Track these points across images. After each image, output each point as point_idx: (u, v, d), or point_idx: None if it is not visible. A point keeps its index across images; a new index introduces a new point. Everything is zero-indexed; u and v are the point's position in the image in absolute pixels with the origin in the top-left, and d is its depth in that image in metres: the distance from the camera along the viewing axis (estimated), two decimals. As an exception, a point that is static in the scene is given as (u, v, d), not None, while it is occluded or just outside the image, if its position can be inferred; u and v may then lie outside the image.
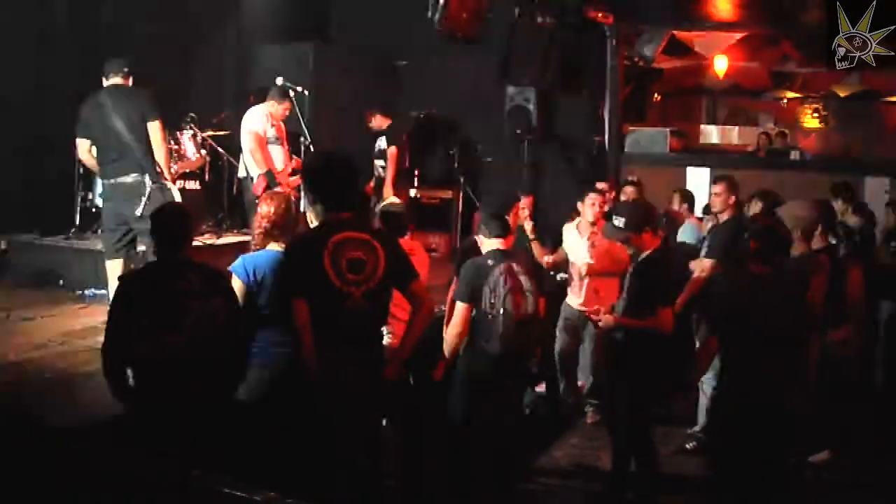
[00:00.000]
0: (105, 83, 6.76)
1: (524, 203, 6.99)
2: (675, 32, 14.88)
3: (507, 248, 5.47)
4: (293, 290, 4.19)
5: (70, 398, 5.25)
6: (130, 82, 6.84)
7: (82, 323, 6.78)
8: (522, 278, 5.29)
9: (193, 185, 9.11)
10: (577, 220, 7.20)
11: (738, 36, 15.03)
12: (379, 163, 9.41)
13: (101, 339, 6.08)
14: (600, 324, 5.77)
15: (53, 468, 3.23)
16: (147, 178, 6.64)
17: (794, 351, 4.96)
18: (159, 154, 6.76)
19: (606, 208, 7.16)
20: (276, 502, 2.76)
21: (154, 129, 6.72)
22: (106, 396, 4.31)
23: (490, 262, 5.32)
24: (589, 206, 7.03)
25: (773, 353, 4.83)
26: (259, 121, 8.25)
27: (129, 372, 4.17)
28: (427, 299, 4.47)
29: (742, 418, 4.86)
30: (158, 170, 6.75)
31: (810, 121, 19.99)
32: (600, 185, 7.56)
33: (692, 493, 5.97)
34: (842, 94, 18.42)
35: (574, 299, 7.11)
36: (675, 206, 8.07)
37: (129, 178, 6.66)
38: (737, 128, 19.55)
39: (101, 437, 4.45)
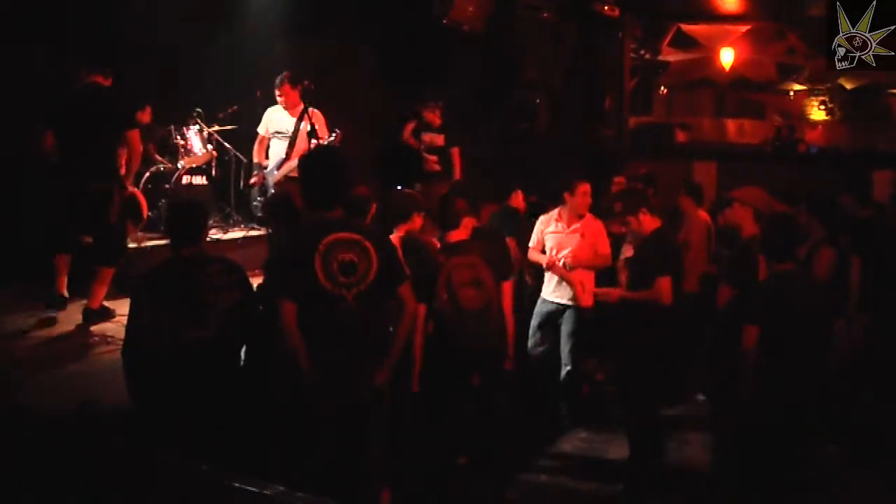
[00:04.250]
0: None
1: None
2: (681, 25, 14.90)
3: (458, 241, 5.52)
4: (281, 290, 4.12)
5: (79, 393, 5.25)
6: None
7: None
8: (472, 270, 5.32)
9: (200, 180, 9.10)
10: (554, 211, 6.99)
11: (744, 29, 15.04)
12: (432, 157, 9.55)
13: (108, 329, 6.36)
14: (606, 298, 6.04)
15: (61, 465, 3.23)
16: None
17: (824, 344, 5.01)
18: None
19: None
20: (286, 497, 2.76)
21: None
22: (115, 390, 4.32)
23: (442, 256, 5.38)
24: (581, 197, 6.77)
25: (809, 349, 4.87)
26: (264, 118, 8.38)
27: (151, 364, 4.16)
28: (412, 304, 4.36)
29: (782, 417, 4.86)
30: None
31: (817, 113, 19.97)
32: (617, 179, 7.51)
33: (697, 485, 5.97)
34: (848, 87, 18.41)
35: (553, 294, 6.91)
36: (683, 202, 8.01)
37: None
38: (743, 121, 19.52)
39: (111, 431, 4.45)
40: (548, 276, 6.92)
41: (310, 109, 8.34)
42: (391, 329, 4.41)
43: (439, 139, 9.54)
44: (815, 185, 9.74)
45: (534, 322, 7.02)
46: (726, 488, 5.42)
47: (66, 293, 6.57)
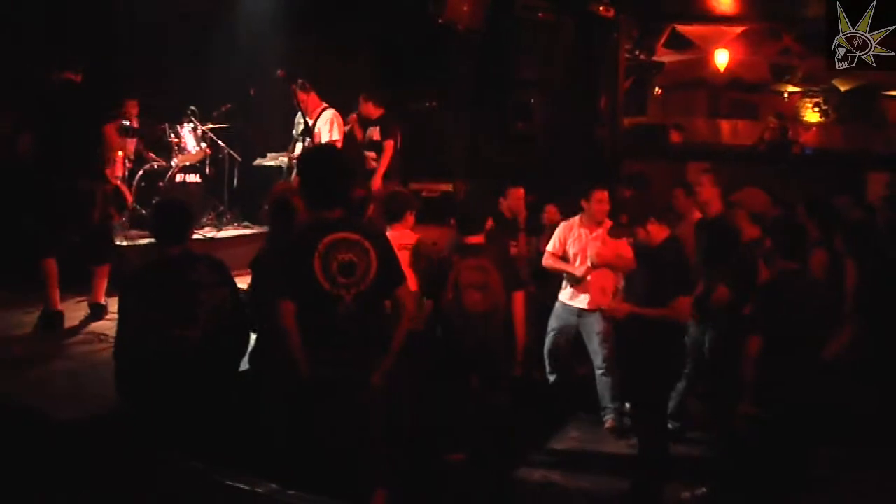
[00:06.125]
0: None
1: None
2: (676, 26, 14.90)
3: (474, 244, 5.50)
4: (280, 290, 4.09)
5: (73, 391, 5.24)
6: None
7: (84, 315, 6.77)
8: (481, 273, 5.32)
9: (194, 178, 9.09)
10: (576, 218, 7.04)
11: (739, 29, 15.04)
12: (370, 154, 9.05)
13: (101, 327, 6.33)
14: (613, 313, 5.86)
15: (56, 464, 3.22)
16: None
17: (823, 344, 5.05)
18: None
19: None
20: (278, 494, 2.76)
21: None
22: (109, 388, 4.31)
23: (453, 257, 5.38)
24: (596, 204, 6.82)
25: (809, 348, 4.90)
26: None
27: (143, 365, 4.15)
28: (410, 305, 4.37)
29: (784, 417, 4.88)
30: None
31: (811, 114, 19.97)
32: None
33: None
34: (842, 88, 18.42)
35: (572, 298, 6.97)
36: (680, 201, 7.99)
37: None
38: (738, 122, 19.51)
39: (104, 432, 4.44)
40: (566, 280, 6.94)
41: (326, 111, 8.37)
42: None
43: (377, 133, 9.03)
44: (809, 186, 9.76)
45: (552, 324, 7.10)
46: (729, 488, 5.42)
47: (60, 308, 6.43)
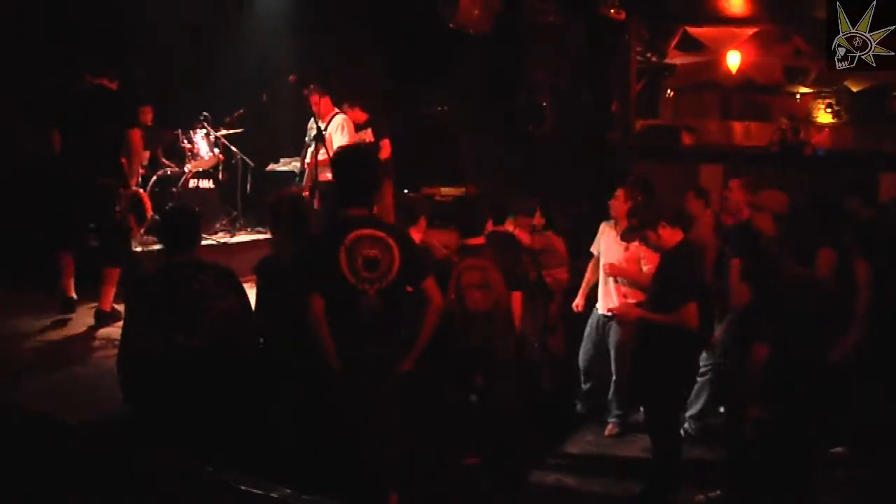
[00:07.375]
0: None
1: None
2: (687, 28, 14.87)
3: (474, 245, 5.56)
4: (309, 285, 4.23)
5: (83, 395, 5.26)
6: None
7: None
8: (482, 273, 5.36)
9: (207, 184, 9.14)
10: (614, 219, 6.90)
11: (751, 31, 15.00)
12: None
13: (114, 333, 6.35)
14: (620, 314, 5.94)
15: (66, 466, 3.23)
16: None
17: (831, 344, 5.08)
18: None
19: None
20: (292, 499, 2.76)
21: None
22: (118, 394, 4.34)
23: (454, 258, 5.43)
24: (613, 201, 6.77)
25: (818, 350, 4.91)
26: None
27: (146, 373, 4.17)
28: (437, 298, 4.46)
29: (792, 419, 4.87)
30: None
31: (823, 115, 19.89)
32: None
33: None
34: (854, 89, 18.34)
35: (601, 304, 6.91)
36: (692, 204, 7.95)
37: None
38: (750, 123, 19.44)
39: (115, 435, 4.45)
40: (600, 285, 6.95)
41: (337, 115, 8.36)
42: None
43: (368, 135, 9.06)
44: (821, 187, 9.70)
45: (586, 331, 7.11)
46: (740, 490, 5.41)
47: (73, 295, 6.65)
